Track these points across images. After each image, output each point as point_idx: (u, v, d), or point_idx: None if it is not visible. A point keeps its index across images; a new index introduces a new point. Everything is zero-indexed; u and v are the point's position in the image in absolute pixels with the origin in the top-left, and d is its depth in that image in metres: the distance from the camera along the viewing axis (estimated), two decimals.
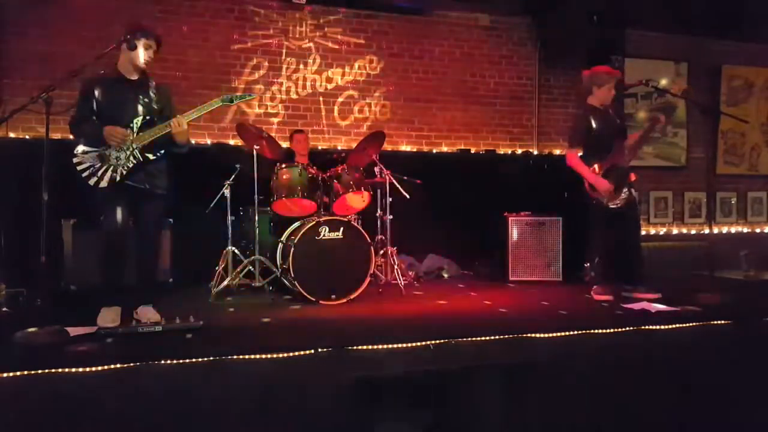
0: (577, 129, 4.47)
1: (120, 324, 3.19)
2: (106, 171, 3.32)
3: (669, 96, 6.88)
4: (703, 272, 4.60)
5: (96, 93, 3.38)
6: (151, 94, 3.47)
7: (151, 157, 3.39)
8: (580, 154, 4.35)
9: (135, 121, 3.36)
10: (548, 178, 6.40)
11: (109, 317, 3.26)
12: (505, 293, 4.78)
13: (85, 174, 3.32)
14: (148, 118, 3.39)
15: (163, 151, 3.45)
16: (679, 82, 4.43)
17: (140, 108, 3.40)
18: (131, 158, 3.33)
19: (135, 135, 3.34)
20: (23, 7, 5.28)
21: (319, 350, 2.79)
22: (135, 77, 3.46)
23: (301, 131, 5.51)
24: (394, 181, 4.93)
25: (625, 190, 4.28)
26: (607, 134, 4.35)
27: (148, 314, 3.37)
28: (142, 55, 3.38)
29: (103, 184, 3.31)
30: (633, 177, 4.35)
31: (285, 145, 5.41)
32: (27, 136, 5.23)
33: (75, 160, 3.34)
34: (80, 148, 3.36)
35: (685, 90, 4.50)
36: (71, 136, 3.48)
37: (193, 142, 5.24)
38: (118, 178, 3.32)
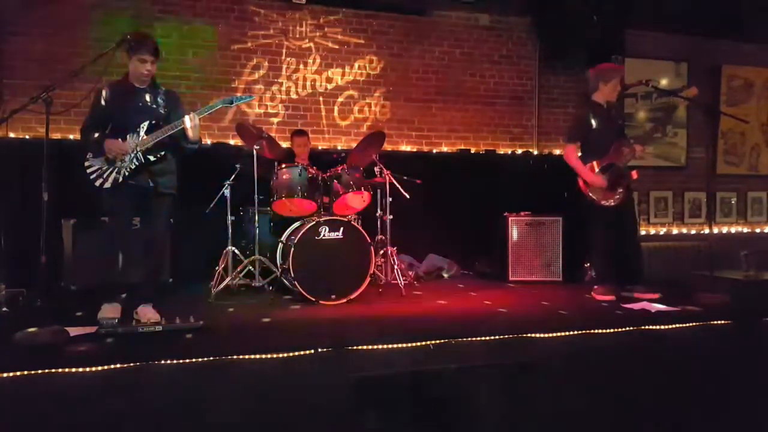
0: (577, 124, 4.47)
1: (120, 323, 3.19)
2: (111, 173, 3.42)
3: (671, 97, 6.91)
4: (703, 272, 4.59)
5: (106, 100, 3.49)
6: (159, 100, 3.56)
7: (151, 158, 3.45)
8: (579, 153, 4.35)
9: (142, 125, 3.44)
10: (548, 178, 6.40)
11: (109, 312, 3.31)
12: (505, 293, 4.77)
13: (93, 176, 3.44)
14: (153, 122, 3.47)
15: (163, 152, 3.50)
16: (693, 88, 4.45)
17: (147, 113, 3.49)
18: (134, 160, 3.42)
19: (140, 139, 3.42)
20: (23, 7, 5.28)
21: (319, 350, 2.79)
22: (143, 85, 3.54)
23: (302, 133, 5.47)
24: (394, 181, 4.92)
25: (620, 189, 4.28)
26: (607, 133, 4.35)
27: (148, 314, 3.38)
28: (138, 66, 3.46)
29: (107, 185, 3.42)
30: (635, 175, 4.32)
31: (285, 145, 5.41)
32: (27, 136, 5.23)
33: (86, 163, 3.46)
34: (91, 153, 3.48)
35: (696, 94, 4.49)
36: (78, 137, 3.58)
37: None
38: (120, 179, 3.40)
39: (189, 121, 3.40)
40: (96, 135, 3.43)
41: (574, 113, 4.52)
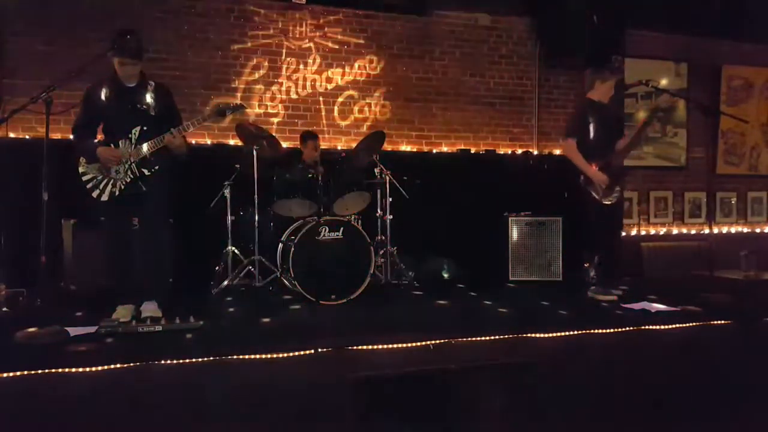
0: (575, 119, 4.48)
1: (120, 324, 3.19)
2: (107, 184, 3.40)
3: (670, 96, 6.91)
4: (703, 272, 4.60)
5: (96, 101, 3.44)
6: (149, 100, 3.49)
7: (146, 171, 3.44)
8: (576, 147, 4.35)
9: (133, 131, 3.40)
10: (548, 178, 6.39)
11: (121, 314, 3.34)
12: (505, 293, 4.77)
13: (89, 186, 3.41)
14: (146, 128, 3.43)
15: (157, 167, 3.48)
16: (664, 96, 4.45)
17: (138, 117, 3.44)
18: (129, 173, 3.41)
19: (134, 147, 3.38)
20: (23, 7, 5.27)
21: (319, 350, 2.79)
22: (132, 84, 3.48)
23: (315, 136, 5.39)
24: (394, 181, 4.92)
25: (617, 188, 4.30)
26: (604, 131, 4.33)
27: (150, 307, 3.41)
28: (119, 69, 3.40)
29: (104, 197, 3.40)
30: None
31: (285, 145, 5.41)
32: (27, 136, 5.22)
33: (80, 169, 3.44)
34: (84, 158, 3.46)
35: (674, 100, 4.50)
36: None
37: (193, 142, 5.27)
38: (117, 193, 3.40)
39: (170, 140, 3.40)
40: (88, 141, 3.40)
41: (574, 109, 4.56)
